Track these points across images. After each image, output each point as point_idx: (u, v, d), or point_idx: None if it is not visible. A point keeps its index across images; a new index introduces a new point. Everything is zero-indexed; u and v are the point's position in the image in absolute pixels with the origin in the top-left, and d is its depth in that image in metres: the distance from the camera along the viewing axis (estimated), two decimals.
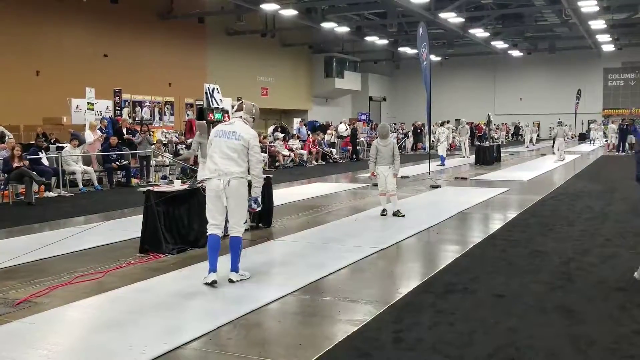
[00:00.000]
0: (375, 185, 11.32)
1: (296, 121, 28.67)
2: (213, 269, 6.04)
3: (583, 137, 43.24)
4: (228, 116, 14.04)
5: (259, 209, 6.56)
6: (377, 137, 10.76)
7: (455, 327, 4.81)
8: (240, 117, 6.31)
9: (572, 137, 44.45)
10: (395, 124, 37.77)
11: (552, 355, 4.22)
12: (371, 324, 4.90)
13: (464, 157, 24.34)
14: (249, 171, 6.21)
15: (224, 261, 6.21)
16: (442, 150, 22.91)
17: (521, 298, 5.59)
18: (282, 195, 12.96)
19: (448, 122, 31.77)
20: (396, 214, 10.23)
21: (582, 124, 45.40)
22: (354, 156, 26.31)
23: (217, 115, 10.33)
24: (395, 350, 4.36)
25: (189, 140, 16.41)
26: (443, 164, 22.17)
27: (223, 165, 6.04)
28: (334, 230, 9.27)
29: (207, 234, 6.18)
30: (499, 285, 6.05)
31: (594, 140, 37.14)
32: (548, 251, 7.58)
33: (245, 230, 8.78)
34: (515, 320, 4.97)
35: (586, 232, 8.86)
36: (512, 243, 8.14)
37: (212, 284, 5.93)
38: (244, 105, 6.39)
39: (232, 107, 6.65)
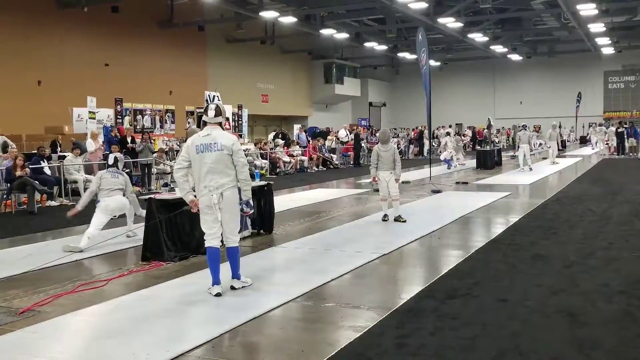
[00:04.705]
0: (377, 190, 11.32)
1: (296, 127, 28.72)
2: (216, 281, 6.00)
3: (584, 141, 43.21)
4: (228, 123, 13.98)
5: (252, 211, 6.41)
6: (377, 143, 10.76)
7: (458, 332, 4.81)
8: (220, 123, 6.05)
9: (574, 140, 44.47)
10: (395, 128, 37.78)
11: (556, 358, 4.22)
12: (374, 330, 4.90)
13: (463, 163, 24.15)
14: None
15: (226, 269, 6.20)
16: (445, 155, 23.05)
17: (524, 302, 5.58)
18: (283, 201, 12.97)
19: (450, 127, 31.79)
20: (397, 219, 10.23)
21: (583, 127, 45.40)
22: (357, 162, 26.29)
23: None
24: (398, 356, 4.35)
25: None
26: (449, 167, 22.50)
27: (212, 181, 5.89)
28: (336, 236, 9.27)
29: (205, 246, 6.10)
30: (502, 289, 6.05)
31: (595, 144, 37.03)
32: (551, 255, 7.57)
33: (247, 237, 8.84)
34: (519, 325, 4.97)
35: (588, 235, 8.86)
36: (515, 247, 8.14)
37: (217, 296, 5.91)
38: (221, 110, 6.06)
39: (205, 113, 6.21)
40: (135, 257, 7.81)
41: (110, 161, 9.34)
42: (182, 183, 6.11)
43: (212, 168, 5.91)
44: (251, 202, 6.18)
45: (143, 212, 9.14)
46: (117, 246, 8.56)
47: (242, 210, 6.13)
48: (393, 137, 17.71)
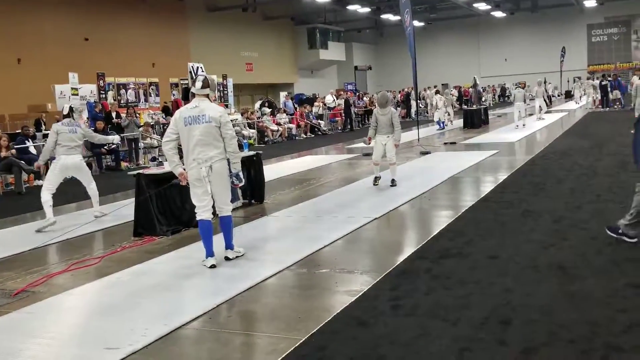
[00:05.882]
0: (366, 155, 11.31)
1: (282, 95, 28.53)
2: (210, 253, 6.02)
3: (569, 95, 43.27)
4: (214, 95, 13.91)
5: (242, 184, 6.39)
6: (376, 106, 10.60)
7: (452, 291, 4.87)
8: (207, 95, 6.03)
9: (559, 95, 44.53)
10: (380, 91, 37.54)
11: (548, 312, 4.29)
12: (368, 293, 4.95)
13: (451, 120, 24.20)
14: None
15: (219, 239, 6.23)
16: (438, 115, 23.17)
17: (515, 258, 5.65)
18: (273, 170, 12.97)
19: (435, 87, 31.62)
20: (392, 182, 10.22)
21: (568, 81, 45.44)
22: (350, 126, 26.15)
23: None
24: (394, 317, 4.41)
25: None
26: (442, 128, 22.73)
27: (201, 153, 5.87)
28: (327, 202, 9.29)
29: (197, 219, 6.10)
30: (493, 247, 6.11)
31: (579, 98, 36.97)
32: (540, 210, 7.64)
33: (238, 207, 8.84)
34: (510, 281, 5.03)
35: (576, 189, 8.93)
36: (504, 204, 8.20)
37: (211, 268, 5.92)
38: (209, 82, 6.05)
39: (192, 84, 6.25)
40: (127, 233, 7.80)
41: (65, 111, 8.80)
42: (171, 156, 6.09)
43: (200, 140, 5.88)
44: (241, 174, 6.15)
45: (115, 138, 9.77)
46: (108, 223, 8.55)
47: (232, 183, 6.12)
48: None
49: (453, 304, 4.56)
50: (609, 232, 6.02)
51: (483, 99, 33.52)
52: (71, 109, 8.86)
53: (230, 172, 6.06)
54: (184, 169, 6.06)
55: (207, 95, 6.04)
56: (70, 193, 10.33)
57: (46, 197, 8.38)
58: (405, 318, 4.37)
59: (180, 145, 6.14)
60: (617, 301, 4.43)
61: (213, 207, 6.15)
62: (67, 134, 8.55)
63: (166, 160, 8.48)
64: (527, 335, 3.95)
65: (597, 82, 31.87)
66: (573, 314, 4.24)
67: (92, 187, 8.93)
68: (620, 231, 5.92)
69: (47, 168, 12.48)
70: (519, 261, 5.56)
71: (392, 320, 4.36)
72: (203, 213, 6.04)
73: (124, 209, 8.54)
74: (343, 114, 26.74)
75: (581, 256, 5.59)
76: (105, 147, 15.93)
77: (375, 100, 11.15)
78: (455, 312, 4.40)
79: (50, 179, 8.55)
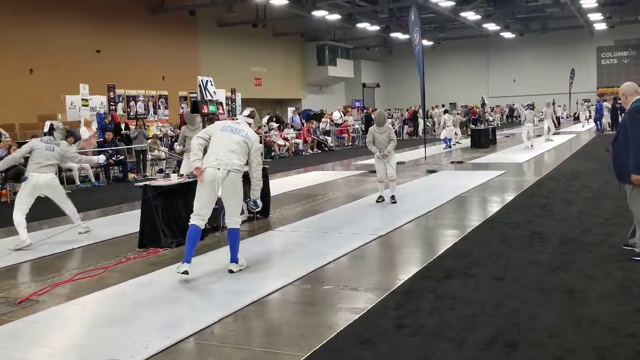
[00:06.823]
0: (372, 172, 11.29)
1: (290, 110, 28.61)
2: (187, 259, 5.97)
3: (578, 117, 43.19)
4: (222, 108, 14.01)
5: (258, 209, 6.70)
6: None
7: (457, 311, 4.82)
8: (250, 124, 6.51)
9: (568, 117, 44.47)
10: (389, 109, 37.65)
11: (555, 335, 4.24)
12: (372, 311, 4.91)
13: (455, 143, 24.18)
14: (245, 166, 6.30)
15: (225, 253, 6.21)
16: (445, 134, 23.19)
17: (522, 280, 5.60)
18: (279, 184, 12.97)
19: (443, 106, 31.61)
20: (392, 199, 10.21)
21: (577, 103, 45.39)
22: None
23: (212, 108, 10.28)
24: (398, 336, 4.37)
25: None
26: (449, 146, 22.68)
27: (225, 157, 6.08)
28: (332, 219, 9.27)
29: (190, 223, 6.12)
30: (499, 268, 6.06)
31: (586, 120, 36.76)
32: (547, 232, 7.59)
33: (243, 221, 8.82)
34: (517, 303, 4.98)
35: (585, 212, 8.87)
36: (511, 225, 8.15)
37: (184, 274, 5.88)
38: (255, 115, 6.68)
39: (242, 109, 6.96)
40: (132, 244, 7.79)
41: (46, 128, 8.46)
42: (197, 150, 6.28)
43: (229, 146, 6.14)
44: (259, 201, 6.44)
45: (100, 158, 9.46)
46: (112, 234, 8.54)
47: (249, 209, 6.41)
48: (387, 118, 17.40)
49: (458, 325, 4.51)
50: (631, 257, 6.05)
51: (491, 119, 33.56)
52: (51, 127, 8.63)
53: (249, 197, 6.36)
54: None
55: (250, 124, 6.51)
56: (78, 203, 10.34)
57: (19, 219, 7.99)
58: (409, 337, 4.33)
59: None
60: (626, 326, 4.37)
61: (216, 219, 6.23)
62: (43, 151, 8.17)
63: (173, 172, 8.55)
64: (534, 358, 3.89)
65: (608, 104, 31.80)
66: (580, 338, 4.19)
67: (67, 205, 8.47)
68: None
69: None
70: (525, 283, 5.51)
71: (396, 339, 4.31)
72: (198, 220, 6.12)
73: (131, 220, 8.53)
74: (363, 129, 26.72)
75: (589, 279, 5.54)
76: (113, 158, 15.98)
77: (373, 118, 11.15)
78: (461, 333, 4.36)
79: (22, 199, 8.15)
